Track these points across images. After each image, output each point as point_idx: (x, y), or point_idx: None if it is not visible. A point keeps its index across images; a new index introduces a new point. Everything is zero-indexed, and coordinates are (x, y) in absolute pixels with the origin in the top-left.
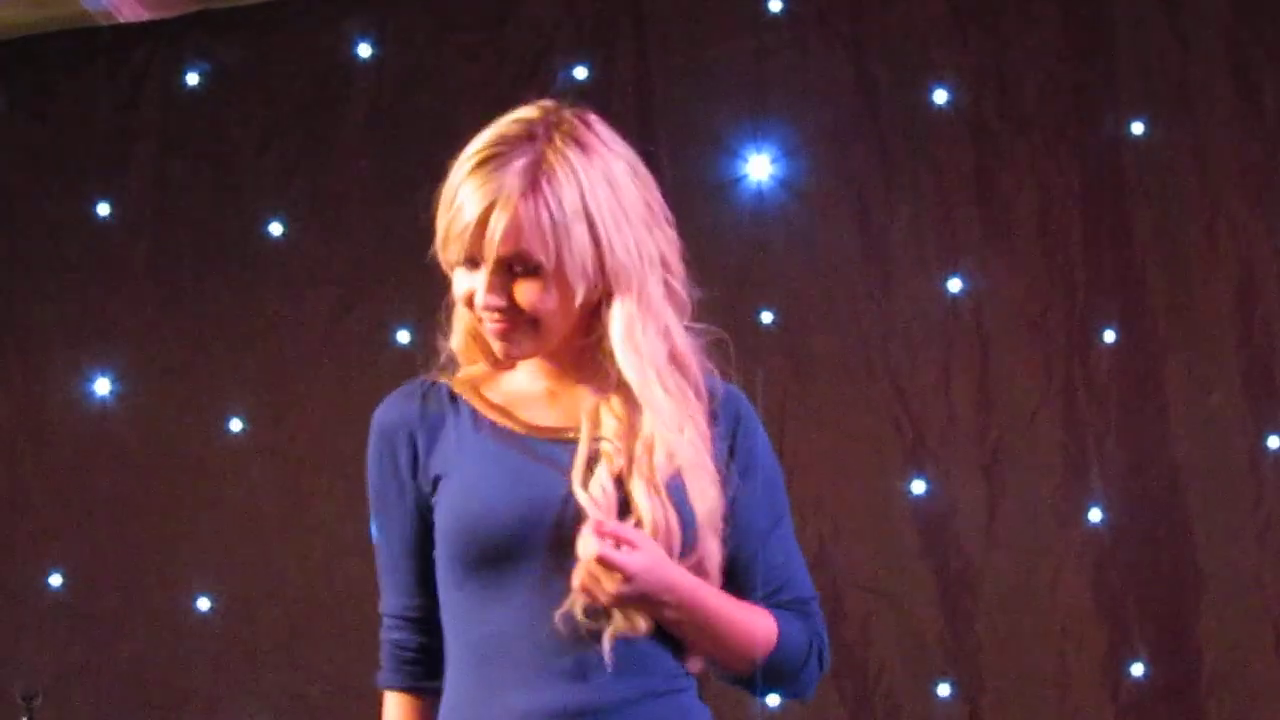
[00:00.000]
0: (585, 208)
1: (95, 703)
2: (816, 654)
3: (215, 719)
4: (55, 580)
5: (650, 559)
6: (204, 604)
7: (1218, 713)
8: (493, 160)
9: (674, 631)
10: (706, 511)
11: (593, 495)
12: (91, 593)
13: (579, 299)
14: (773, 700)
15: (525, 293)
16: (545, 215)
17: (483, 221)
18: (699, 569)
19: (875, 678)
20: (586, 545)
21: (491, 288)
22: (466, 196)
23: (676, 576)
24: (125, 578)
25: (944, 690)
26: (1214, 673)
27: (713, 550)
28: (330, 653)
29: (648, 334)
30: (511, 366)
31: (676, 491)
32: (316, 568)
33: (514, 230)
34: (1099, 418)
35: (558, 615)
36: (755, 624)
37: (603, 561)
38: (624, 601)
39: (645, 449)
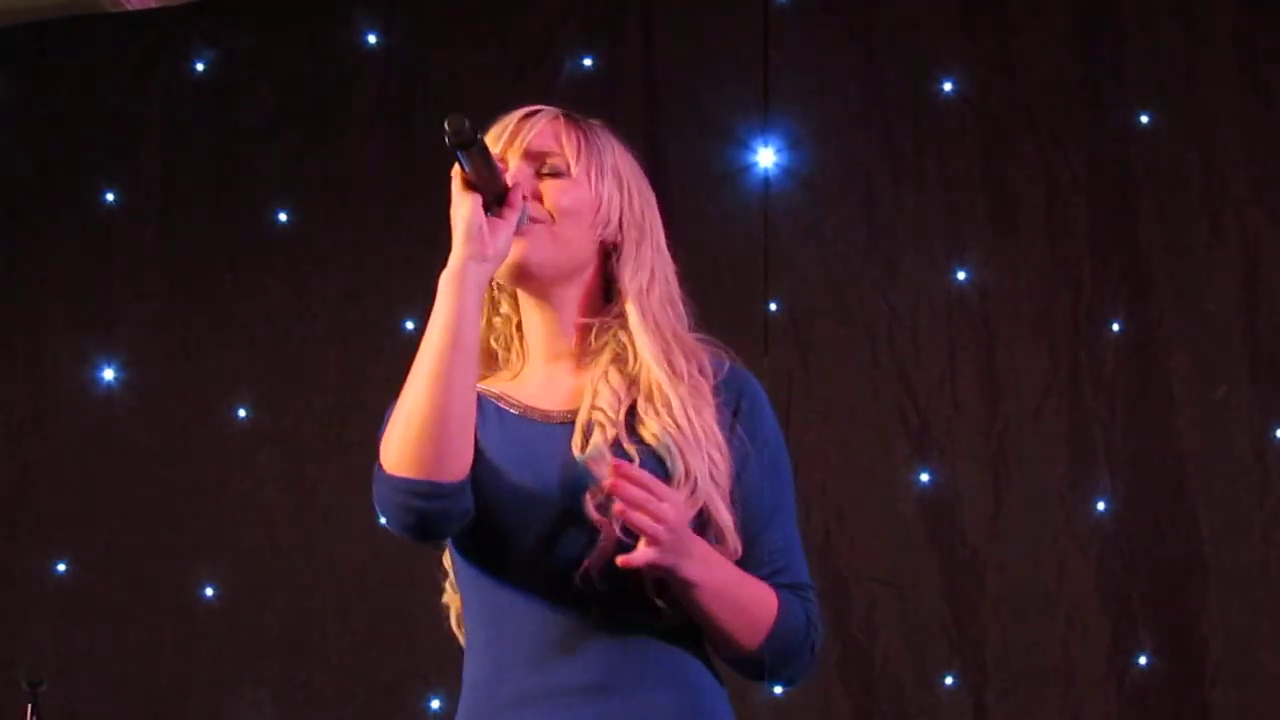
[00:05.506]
0: (615, 159)
1: (100, 689)
2: (811, 641)
3: (219, 706)
4: (61, 567)
5: (680, 511)
6: (209, 591)
7: (1222, 703)
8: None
9: (691, 598)
10: (709, 471)
11: (590, 457)
12: (97, 579)
13: (595, 222)
14: (777, 689)
15: (549, 189)
16: (578, 136)
17: (525, 118)
18: (712, 531)
19: (880, 667)
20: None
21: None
22: (510, 114)
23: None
24: (130, 565)
25: (949, 680)
26: (1219, 663)
27: (722, 511)
28: (335, 641)
29: (654, 293)
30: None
31: (677, 448)
32: (322, 556)
33: (549, 131)
34: (1105, 408)
35: (577, 576)
36: (761, 592)
37: (638, 506)
38: (663, 550)
39: (647, 402)
